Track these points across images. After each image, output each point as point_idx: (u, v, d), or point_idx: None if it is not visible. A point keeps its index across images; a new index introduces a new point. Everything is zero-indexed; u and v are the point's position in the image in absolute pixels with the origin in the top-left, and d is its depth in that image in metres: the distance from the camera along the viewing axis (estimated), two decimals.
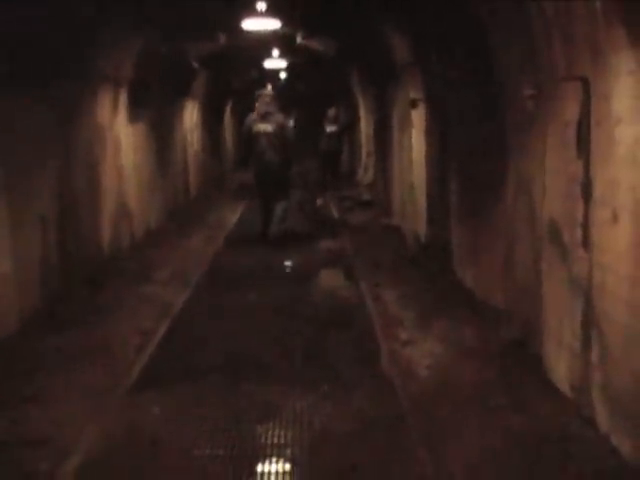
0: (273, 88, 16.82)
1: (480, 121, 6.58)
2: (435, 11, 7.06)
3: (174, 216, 12.68)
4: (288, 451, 4.29)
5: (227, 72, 17.41)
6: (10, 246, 6.10)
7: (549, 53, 4.69)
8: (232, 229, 12.35)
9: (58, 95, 7.17)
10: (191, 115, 15.64)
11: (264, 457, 4.23)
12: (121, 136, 9.66)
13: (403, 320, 6.60)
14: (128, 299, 7.40)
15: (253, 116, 10.84)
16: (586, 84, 4.19)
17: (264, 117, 10.62)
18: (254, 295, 7.80)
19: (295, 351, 5.97)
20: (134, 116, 10.19)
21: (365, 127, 16.64)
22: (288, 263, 9.58)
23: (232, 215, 13.84)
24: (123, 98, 9.67)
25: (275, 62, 16.97)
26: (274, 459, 4.22)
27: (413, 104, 9.02)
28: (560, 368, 4.74)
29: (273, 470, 4.09)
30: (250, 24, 10.39)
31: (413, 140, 9.67)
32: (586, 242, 4.28)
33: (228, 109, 22.95)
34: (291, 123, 14.84)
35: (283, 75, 22.37)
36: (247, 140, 10.84)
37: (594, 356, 4.21)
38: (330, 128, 17.24)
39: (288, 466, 4.15)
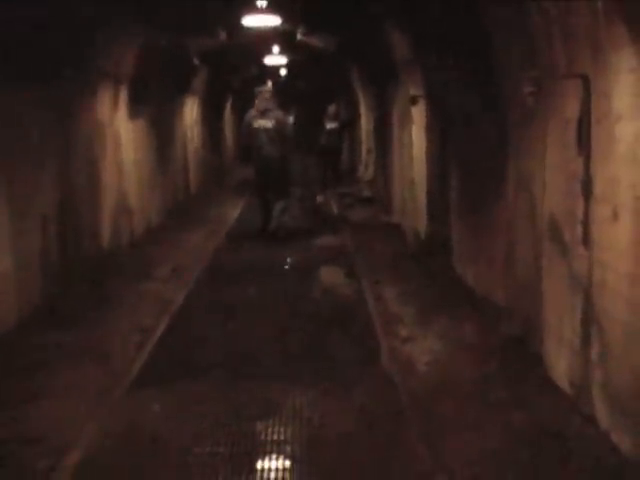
0: (273, 85, 16.85)
1: (480, 118, 6.57)
2: (435, 8, 7.04)
3: (174, 212, 12.68)
4: (288, 448, 4.29)
5: (227, 69, 17.40)
6: (10, 242, 6.10)
7: (549, 50, 4.68)
8: (232, 225, 12.35)
9: (58, 92, 7.16)
10: (191, 111, 15.62)
11: (264, 454, 4.23)
12: (121, 132, 9.65)
13: (403, 317, 6.60)
14: (128, 296, 7.41)
15: (253, 112, 10.87)
16: (586, 81, 4.19)
17: (264, 113, 10.65)
18: (254, 292, 7.81)
19: (295, 348, 5.97)
20: (134, 112, 10.18)
21: (365, 124, 16.62)
22: (288, 260, 9.58)
23: (232, 211, 13.84)
24: (123, 95, 9.66)
25: (275, 59, 16.96)
26: (274, 456, 4.22)
27: (413, 101, 9.01)
28: (560, 365, 4.75)
29: (273, 467, 4.10)
30: (250, 20, 10.39)
31: (413, 137, 9.66)
32: (586, 239, 4.28)
33: (228, 105, 22.92)
34: (290, 120, 14.84)
35: (283, 72, 22.36)
36: (247, 136, 10.87)
37: (594, 353, 4.21)
38: (330, 125, 17.22)
39: (288, 463, 4.15)
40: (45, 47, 6.56)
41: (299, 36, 13.43)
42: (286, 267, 9.31)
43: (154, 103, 11.48)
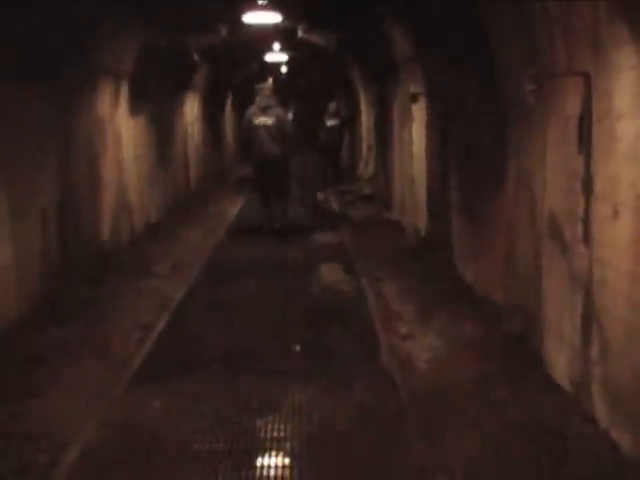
0: (274, 82, 16.83)
1: (481, 115, 6.57)
2: (436, 5, 7.04)
3: (174, 209, 12.68)
4: (287, 444, 4.30)
5: (228, 65, 17.39)
6: (10, 239, 6.10)
7: (550, 48, 4.68)
8: (232, 222, 12.36)
9: (58, 88, 7.16)
10: (192, 108, 15.62)
11: (264, 451, 4.24)
12: (122, 129, 9.65)
13: (403, 314, 6.61)
14: (128, 292, 7.41)
15: (253, 109, 10.90)
16: (587, 79, 4.18)
17: (264, 110, 10.68)
18: (254, 288, 7.82)
19: (295, 345, 5.99)
20: (135, 109, 10.18)
21: (366, 121, 16.62)
22: (288, 257, 9.57)
23: (232, 208, 13.85)
24: (124, 91, 9.66)
25: (276, 56, 16.95)
26: (274, 453, 4.23)
27: (414, 98, 9.02)
28: (560, 363, 4.75)
29: (272, 464, 4.10)
30: (251, 17, 10.39)
31: (414, 134, 9.66)
32: (587, 237, 4.28)
33: (229, 102, 22.91)
34: (290, 116, 14.84)
35: (284, 69, 22.35)
36: (247, 133, 10.89)
37: (594, 351, 4.22)
38: (331, 122, 17.20)
39: (287, 460, 4.15)
40: (45, 44, 6.56)
41: (300, 33, 13.42)
42: (286, 264, 9.30)
43: (154, 100, 11.48)
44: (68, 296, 6.97)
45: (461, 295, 6.90)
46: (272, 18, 10.47)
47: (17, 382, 5.04)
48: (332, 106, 17.53)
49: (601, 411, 4.13)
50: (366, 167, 16.55)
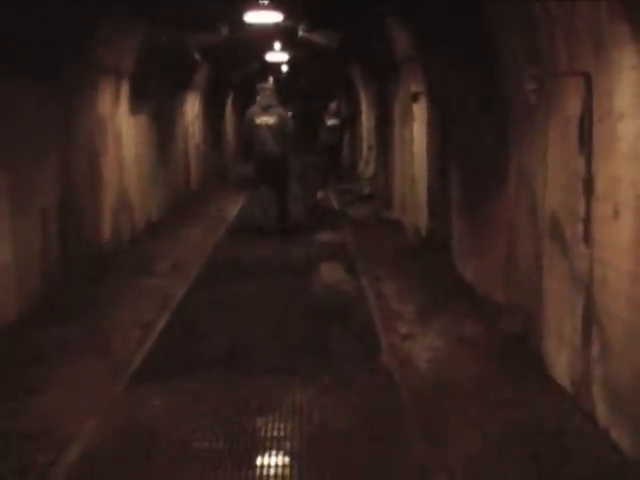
0: (274, 81, 16.82)
1: (482, 115, 6.57)
2: (437, 5, 7.04)
3: (175, 208, 12.68)
4: (287, 444, 4.30)
5: (229, 65, 17.39)
6: (10, 237, 6.10)
7: (551, 48, 4.68)
8: (233, 221, 12.36)
9: (59, 86, 7.16)
10: (192, 107, 15.62)
11: (264, 450, 4.24)
12: (122, 128, 9.65)
13: (403, 313, 6.61)
14: (128, 291, 7.41)
15: (255, 108, 10.93)
16: (588, 80, 4.18)
17: (266, 110, 10.73)
18: (254, 287, 7.81)
19: (295, 344, 5.98)
20: (135, 108, 10.18)
21: (366, 120, 16.62)
22: (288, 256, 9.57)
23: (233, 207, 13.85)
24: (125, 90, 9.66)
25: (277, 55, 16.95)
26: (274, 452, 4.22)
27: (414, 98, 9.02)
28: (560, 363, 4.75)
29: (273, 463, 4.10)
30: (252, 17, 10.39)
31: (414, 134, 9.66)
32: (587, 237, 4.28)
33: (229, 101, 22.91)
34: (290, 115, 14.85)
35: (285, 68, 22.34)
36: (249, 132, 10.91)
37: (595, 351, 4.22)
38: (331, 121, 17.21)
39: (287, 459, 4.15)
40: (46, 43, 6.55)
41: (301, 33, 13.42)
42: (286, 263, 9.30)
43: (155, 98, 11.48)
44: (68, 295, 6.97)
45: (461, 295, 6.90)
46: (273, 17, 10.47)
47: (17, 380, 5.04)
48: (333, 106, 17.54)
49: (601, 411, 4.13)
50: (367, 166, 16.55)
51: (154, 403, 4.83)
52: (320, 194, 15.22)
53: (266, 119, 10.71)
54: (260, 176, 10.96)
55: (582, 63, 4.27)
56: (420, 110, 9.14)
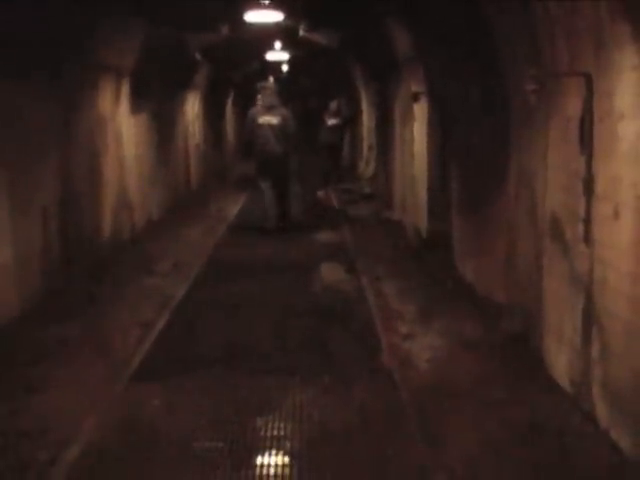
0: (275, 80, 16.82)
1: (482, 115, 6.57)
2: (438, 5, 7.04)
3: (175, 207, 12.68)
4: (287, 444, 4.30)
5: (229, 64, 17.39)
6: (11, 236, 6.11)
7: (552, 48, 4.68)
8: (233, 221, 12.35)
9: (60, 86, 7.17)
10: (192, 106, 15.61)
11: (264, 449, 4.24)
12: (123, 127, 9.65)
13: (403, 313, 6.61)
14: (129, 290, 7.42)
15: (257, 107, 10.98)
16: (589, 80, 4.18)
17: (269, 109, 10.79)
18: (255, 287, 7.81)
19: (295, 344, 5.97)
20: (136, 107, 10.18)
21: (367, 120, 16.61)
22: (288, 255, 9.56)
23: (233, 207, 13.84)
24: (125, 89, 9.66)
25: (277, 54, 16.95)
26: (273, 451, 4.22)
27: (415, 98, 9.02)
28: (560, 363, 4.75)
29: (272, 463, 4.10)
30: (253, 16, 10.38)
31: (415, 134, 9.66)
32: (587, 238, 4.28)
33: (230, 101, 22.91)
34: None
35: (285, 68, 22.34)
36: (251, 131, 10.94)
37: (594, 351, 4.22)
38: (332, 121, 17.19)
39: (287, 458, 4.15)
40: (46, 42, 6.55)
41: (301, 32, 13.42)
42: (286, 262, 9.29)
43: (155, 98, 11.48)
44: (69, 293, 6.97)
45: (462, 295, 6.91)
46: (273, 17, 10.47)
47: (17, 379, 5.04)
48: (333, 105, 17.50)
49: (601, 411, 4.13)
50: (367, 166, 16.55)
51: (154, 402, 4.82)
52: (320, 193, 15.22)
53: (269, 119, 10.76)
54: (262, 175, 10.97)
55: (583, 63, 4.27)
56: (420, 110, 9.14)
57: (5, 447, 4.14)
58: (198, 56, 14.06)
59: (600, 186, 4.13)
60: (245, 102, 23.38)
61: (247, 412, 4.68)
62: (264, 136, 10.73)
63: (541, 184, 5.09)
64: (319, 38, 14.25)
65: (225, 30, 12.35)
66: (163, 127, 12.18)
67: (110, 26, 8.37)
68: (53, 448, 4.16)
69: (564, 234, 4.66)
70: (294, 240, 10.43)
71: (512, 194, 5.81)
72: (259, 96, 11.20)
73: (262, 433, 4.43)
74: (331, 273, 8.26)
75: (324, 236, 10.76)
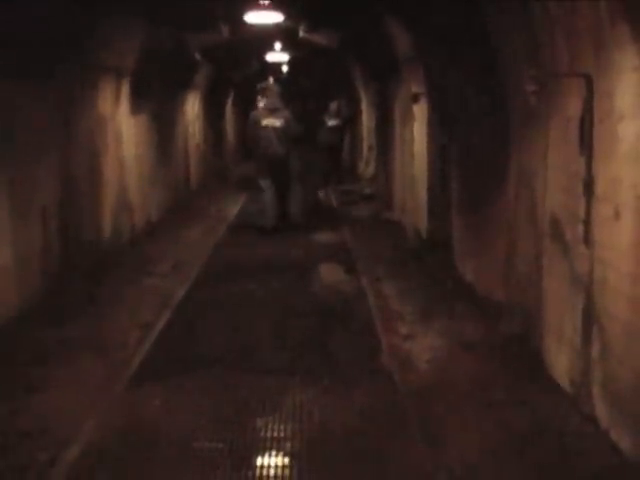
0: (275, 81, 16.82)
1: (482, 116, 6.57)
2: (438, 5, 7.03)
3: (175, 208, 12.68)
4: (287, 444, 4.30)
5: (229, 65, 17.38)
6: (11, 237, 6.10)
7: (552, 49, 4.68)
8: (233, 221, 12.35)
9: (59, 85, 7.16)
10: (192, 107, 15.61)
11: (263, 450, 4.24)
12: (122, 127, 9.65)
13: (404, 314, 6.61)
14: (128, 291, 7.41)
15: (260, 109, 11.05)
16: (589, 81, 4.18)
17: (273, 112, 10.90)
18: (255, 288, 7.80)
19: (295, 345, 5.97)
20: (136, 108, 10.17)
21: (367, 121, 16.61)
22: (288, 256, 9.56)
23: (233, 207, 13.84)
24: (125, 89, 9.65)
25: (277, 55, 16.96)
26: (273, 452, 4.22)
27: (415, 98, 9.02)
28: (560, 363, 4.75)
29: (272, 463, 4.10)
30: (253, 17, 10.40)
31: (415, 134, 9.66)
32: (588, 238, 4.28)
33: (230, 102, 22.90)
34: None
35: (285, 68, 22.33)
36: (254, 132, 10.98)
37: (595, 352, 4.22)
38: (332, 122, 17.19)
39: (287, 459, 4.15)
40: (46, 42, 6.55)
41: (301, 33, 13.42)
42: (286, 263, 9.29)
43: (155, 98, 11.48)
44: (68, 294, 6.96)
45: (462, 295, 6.91)
46: (274, 18, 10.48)
47: (17, 379, 5.04)
48: (333, 106, 17.51)
49: (601, 411, 4.13)
50: (367, 167, 16.55)
51: (154, 402, 4.83)
52: (320, 194, 15.22)
53: (273, 121, 10.90)
54: (263, 175, 11.03)
55: (583, 64, 4.27)
56: (420, 110, 9.14)
57: (5, 447, 4.14)
58: (198, 56, 14.06)
59: (600, 187, 4.13)
60: (245, 103, 23.39)
61: (247, 412, 4.69)
62: (267, 138, 10.83)
63: (541, 184, 5.09)
64: (319, 39, 14.25)
65: (225, 31, 12.36)
66: (163, 127, 12.18)
67: (110, 26, 8.37)
68: (53, 448, 4.16)
69: (564, 234, 4.66)
70: (294, 240, 10.43)
71: (512, 194, 5.81)
72: (259, 97, 11.23)
73: (262, 433, 4.43)
74: (331, 273, 8.26)
75: (324, 236, 10.76)
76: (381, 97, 13.30)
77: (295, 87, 24.78)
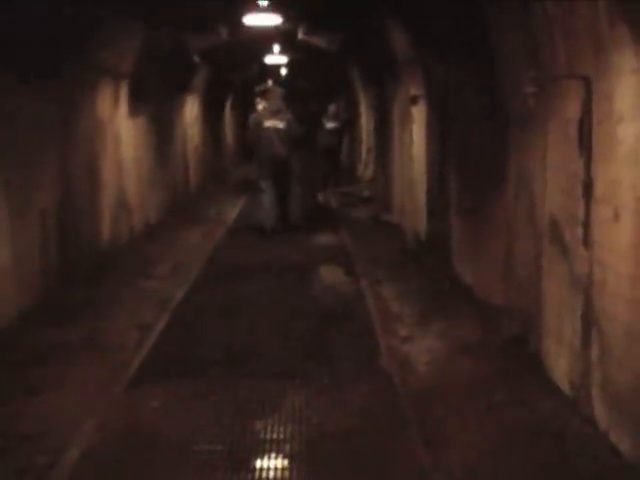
0: (274, 84, 16.83)
1: (481, 117, 6.57)
2: (436, 8, 7.04)
3: (174, 210, 12.68)
4: (287, 446, 4.29)
5: (228, 67, 17.40)
6: (10, 238, 6.09)
7: (551, 51, 4.68)
8: (232, 224, 12.35)
9: (58, 87, 7.16)
10: (191, 109, 15.62)
11: (263, 452, 4.23)
12: (121, 130, 9.65)
13: (403, 316, 6.61)
14: (127, 293, 7.41)
15: (263, 111, 11.09)
16: (588, 82, 4.18)
17: (275, 114, 10.94)
18: (254, 290, 7.80)
19: (294, 347, 5.97)
20: (134, 110, 10.18)
21: (366, 123, 16.62)
22: (287, 258, 9.56)
23: (232, 209, 13.85)
24: (124, 92, 9.66)
25: (276, 58, 16.97)
26: (273, 454, 4.22)
27: (414, 100, 9.03)
28: (560, 365, 4.75)
29: (272, 465, 4.10)
30: (252, 19, 10.40)
31: (414, 136, 9.66)
32: (587, 240, 4.28)
33: (228, 104, 22.92)
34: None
35: (284, 71, 22.35)
36: (256, 134, 11.01)
37: (594, 354, 4.22)
38: (330, 124, 17.20)
39: (286, 461, 4.15)
40: (46, 42, 6.55)
41: (300, 35, 13.44)
42: (285, 265, 9.28)
43: (154, 101, 11.48)
44: (67, 296, 6.96)
45: (461, 297, 6.90)
46: (272, 20, 10.48)
47: (16, 381, 5.04)
48: (332, 108, 17.53)
49: (600, 413, 4.13)
50: (366, 169, 16.56)
51: (153, 404, 4.82)
52: (320, 197, 15.22)
53: (275, 123, 10.96)
54: (264, 176, 11.06)
55: (582, 66, 4.27)
56: (419, 113, 9.15)
57: (4, 450, 4.13)
58: (197, 59, 14.07)
59: (599, 188, 4.13)
60: (244, 105, 23.39)
61: (247, 414, 4.68)
62: (269, 139, 10.88)
63: (540, 186, 5.09)
64: (318, 41, 14.27)
65: (224, 33, 12.38)
66: (162, 129, 12.18)
67: (110, 28, 8.37)
68: (53, 450, 4.15)
69: (563, 236, 4.66)
70: (293, 242, 10.43)
71: (511, 196, 5.81)
72: (258, 99, 11.26)
73: (261, 435, 4.43)
74: (330, 275, 8.27)
75: (323, 239, 10.77)
76: (380, 99, 13.31)
77: (294, 89, 24.80)
